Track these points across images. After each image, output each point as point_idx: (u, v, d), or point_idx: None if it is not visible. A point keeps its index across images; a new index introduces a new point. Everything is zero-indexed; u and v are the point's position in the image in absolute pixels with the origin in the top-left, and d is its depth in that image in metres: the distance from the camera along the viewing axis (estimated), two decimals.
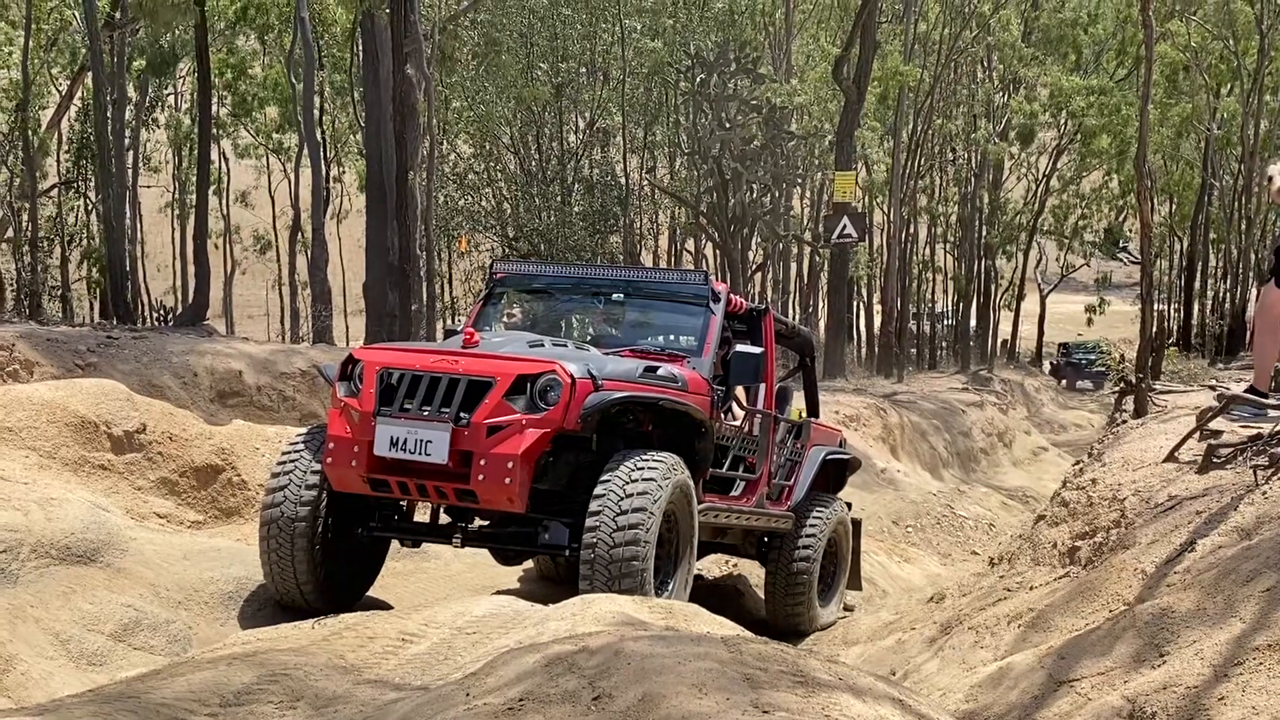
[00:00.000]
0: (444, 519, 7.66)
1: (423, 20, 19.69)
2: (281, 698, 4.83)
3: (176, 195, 34.98)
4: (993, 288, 43.26)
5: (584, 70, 31.73)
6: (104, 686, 5.22)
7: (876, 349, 35.66)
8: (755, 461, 8.56)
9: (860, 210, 32.23)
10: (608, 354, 7.45)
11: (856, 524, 10.35)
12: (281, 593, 7.04)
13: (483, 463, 6.44)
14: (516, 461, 6.42)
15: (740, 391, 8.69)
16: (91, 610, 6.50)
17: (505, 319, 9.07)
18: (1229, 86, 36.67)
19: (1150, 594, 5.97)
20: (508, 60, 30.20)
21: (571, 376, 6.52)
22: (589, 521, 6.40)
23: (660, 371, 7.20)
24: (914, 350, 39.32)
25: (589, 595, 6.03)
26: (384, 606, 7.52)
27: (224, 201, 36.12)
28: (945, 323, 45.31)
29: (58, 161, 30.89)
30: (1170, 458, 7.75)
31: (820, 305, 36.83)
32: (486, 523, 7.39)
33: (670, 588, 7.02)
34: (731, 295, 8.42)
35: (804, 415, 9.93)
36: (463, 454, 6.49)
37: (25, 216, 27.26)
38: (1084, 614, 6.50)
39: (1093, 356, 45.98)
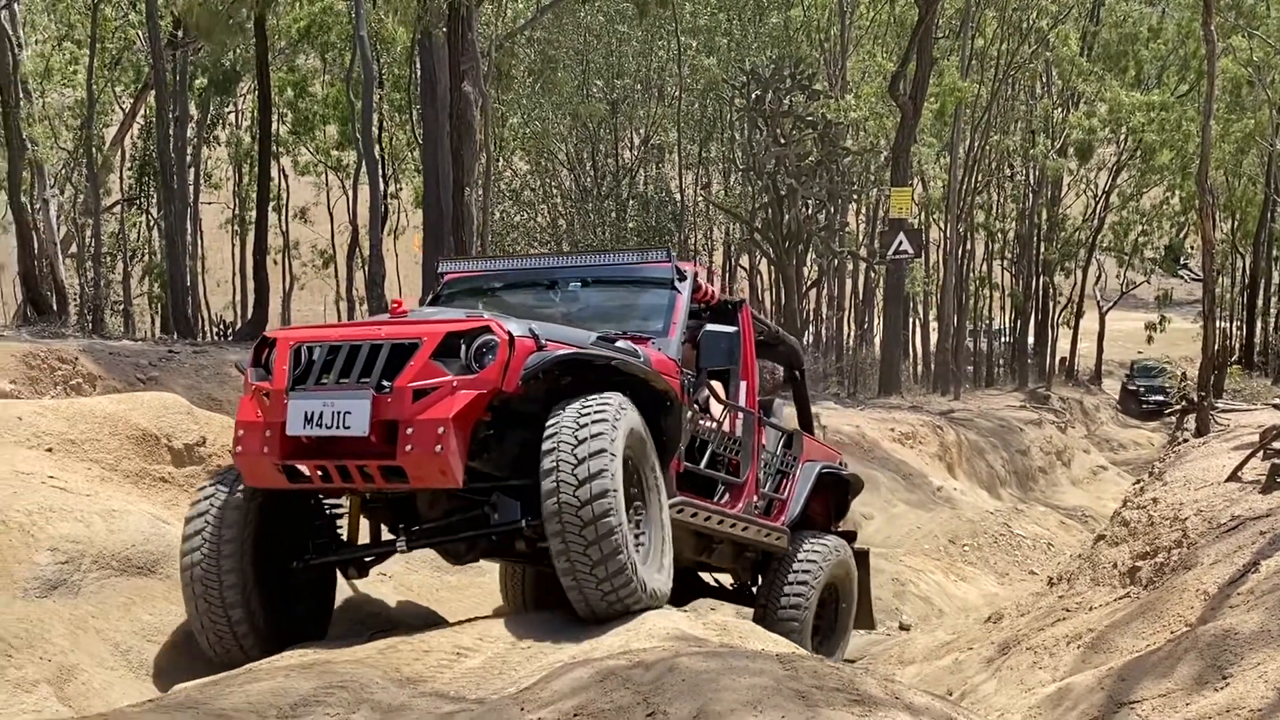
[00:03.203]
0: (387, 536, 6.74)
1: (480, 38, 19.82)
2: (339, 708, 4.87)
3: (236, 211, 35.39)
4: (1051, 304, 42.86)
5: (639, 87, 31.87)
6: (164, 696, 5.28)
7: (933, 366, 35.43)
8: (740, 463, 7.68)
9: (916, 226, 32.12)
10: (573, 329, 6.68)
11: (863, 555, 9.32)
12: (217, 650, 6.13)
13: (409, 431, 5.56)
14: (448, 426, 5.53)
15: (718, 387, 7.76)
16: (151, 621, 6.55)
17: None
18: None
19: (1213, 615, 5.89)
20: (564, 77, 30.38)
21: (510, 334, 5.76)
22: (544, 481, 5.49)
23: (618, 344, 6.44)
24: (971, 367, 39.00)
25: (645, 614, 5.90)
26: (439, 621, 7.55)
27: (283, 218, 36.49)
28: (1002, 340, 44.88)
29: (121, 178, 31.38)
30: (1233, 477, 7.66)
31: (875, 322, 36.66)
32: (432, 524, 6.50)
33: (647, 543, 6.12)
34: (702, 282, 7.68)
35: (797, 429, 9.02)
36: (387, 425, 5.65)
37: (89, 232, 27.76)
38: (1145, 635, 6.42)
39: (1156, 383, 42.38)
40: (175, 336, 19.55)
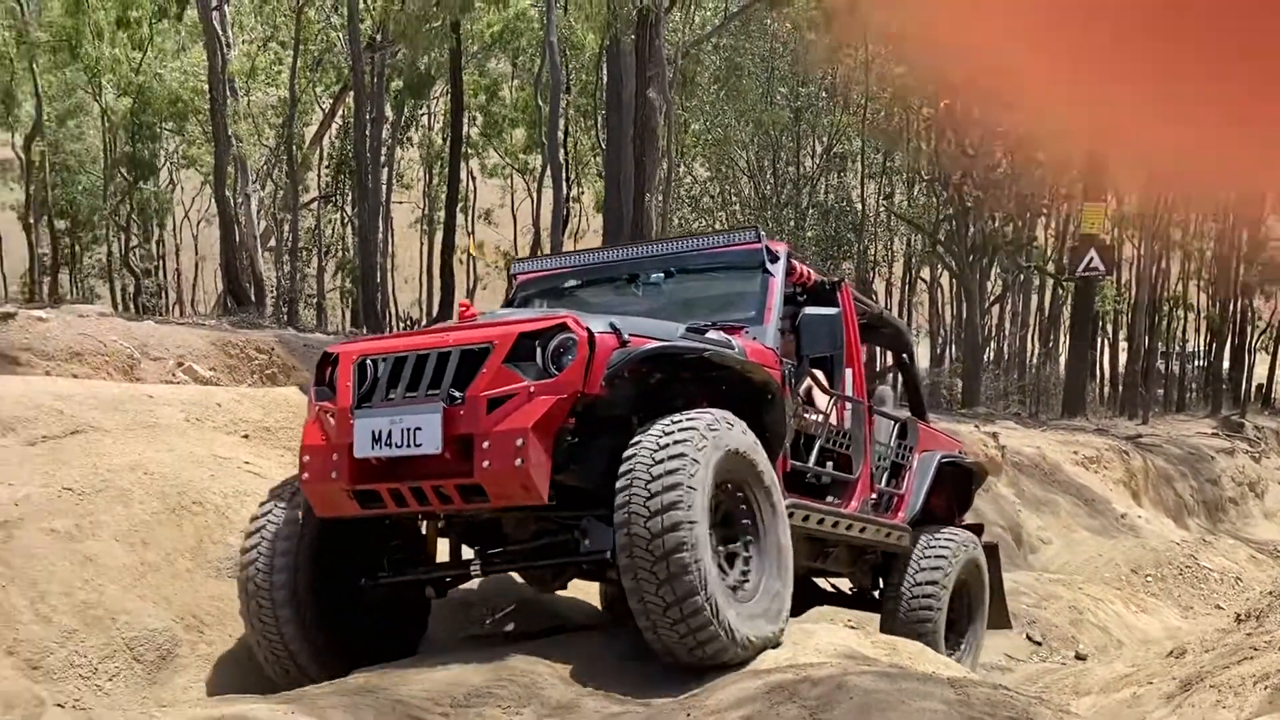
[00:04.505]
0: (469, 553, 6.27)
1: (666, 45, 19.98)
2: (510, 702, 4.99)
3: (425, 211, 36.37)
4: (1249, 328, 41.10)
5: (824, 95, 31.61)
6: (345, 680, 5.46)
7: (1120, 388, 34.37)
8: (851, 458, 7.00)
9: (1109, 243, 31.08)
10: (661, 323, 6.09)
11: (993, 549, 8.57)
12: (275, 669, 5.78)
13: (485, 445, 5.08)
14: (527, 437, 5.02)
15: (821, 376, 7.06)
16: None
17: None
18: None
19: None
20: (748, 85, 30.37)
21: (589, 330, 5.21)
22: (616, 513, 4.97)
23: (709, 334, 5.85)
24: (1160, 391, 37.65)
25: (811, 626, 5.86)
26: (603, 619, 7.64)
27: (469, 218, 37.38)
28: (1195, 363, 43.19)
29: (318, 176, 32.47)
30: None
31: (1061, 340, 35.66)
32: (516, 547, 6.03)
33: (755, 580, 5.49)
34: (796, 263, 6.96)
35: (912, 417, 8.28)
36: (460, 439, 5.17)
37: (286, 227, 28.86)
38: None
39: None
40: (365, 330, 20.20)
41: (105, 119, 29.09)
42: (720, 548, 5.32)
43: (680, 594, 4.88)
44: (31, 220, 28.77)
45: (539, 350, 5.24)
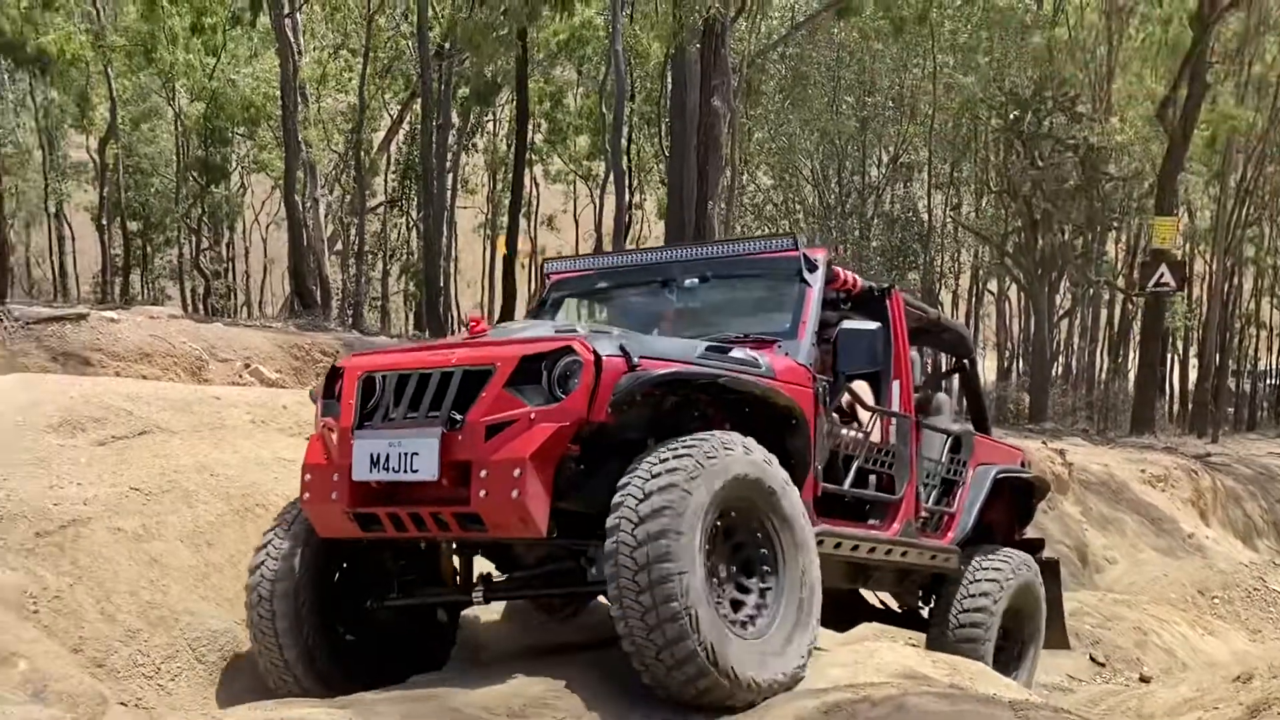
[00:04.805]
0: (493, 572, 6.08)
1: (731, 54, 19.96)
2: (566, 713, 4.98)
3: (489, 216, 36.61)
4: None
5: (890, 104, 31.48)
6: (402, 687, 5.49)
7: (1190, 406, 33.85)
8: (895, 478, 6.60)
9: (1180, 258, 30.70)
10: (681, 340, 5.80)
11: (1053, 565, 8.18)
12: (273, 680, 5.64)
13: (483, 474, 4.84)
14: (525, 467, 4.76)
15: (865, 389, 6.64)
16: None
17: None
18: None
19: None
20: (814, 94, 30.31)
21: (595, 353, 4.87)
22: (606, 542, 4.73)
23: (733, 353, 5.52)
24: (1231, 410, 37.05)
25: (872, 644, 5.77)
26: None
27: (532, 224, 37.55)
28: (1268, 382, 42.44)
29: (385, 181, 32.76)
30: None
31: (1130, 356, 35.18)
32: (522, 572, 5.84)
33: (771, 616, 5.15)
34: (839, 270, 6.58)
35: (968, 429, 7.87)
36: (458, 466, 4.95)
37: (353, 231, 29.19)
38: None
39: None
40: (428, 334, 20.35)
41: (178, 123, 29.57)
42: (728, 580, 5.07)
43: (669, 634, 4.62)
44: (104, 222, 29.25)
45: (544, 373, 4.96)
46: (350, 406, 5.32)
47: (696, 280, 6.56)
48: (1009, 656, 7.36)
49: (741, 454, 4.95)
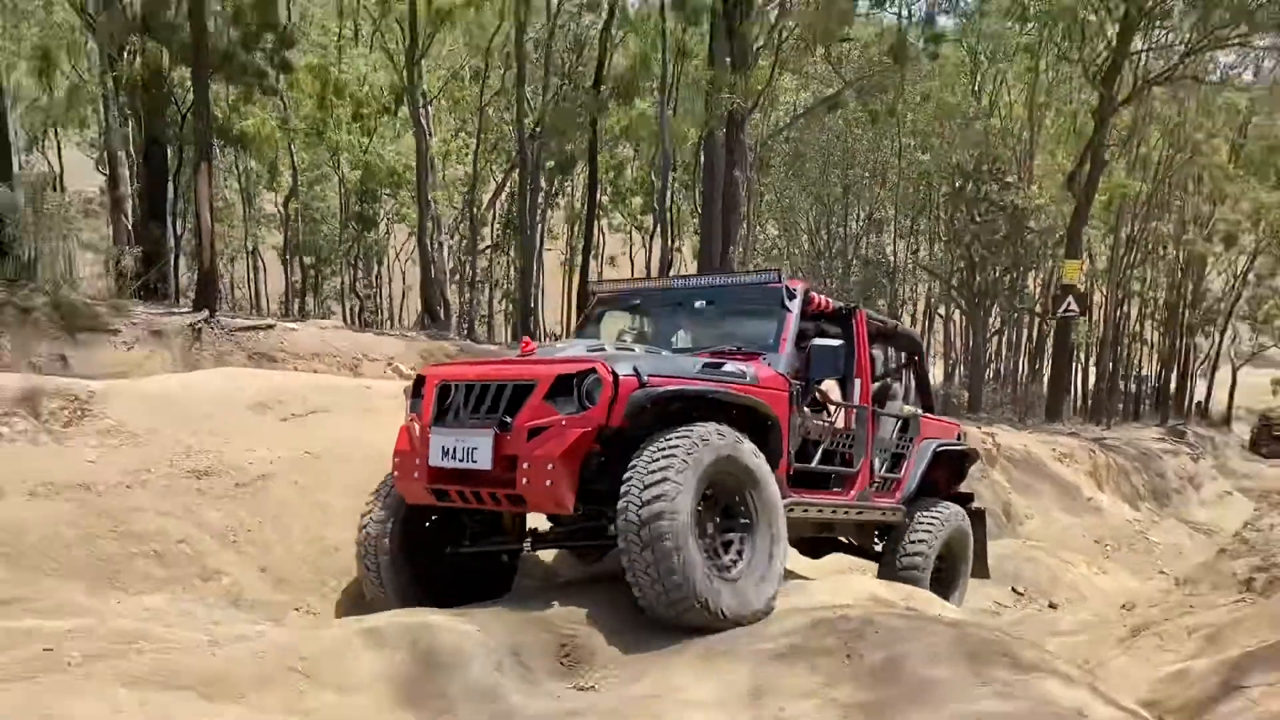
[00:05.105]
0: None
1: (748, 137, 19.93)
2: (621, 623, 4.94)
3: (567, 256, 36.67)
4: (1191, 359, 39.61)
5: (866, 175, 31.28)
6: (506, 604, 5.45)
7: (1089, 401, 33.29)
8: (854, 455, 6.53)
9: (1083, 291, 30.16)
10: (685, 357, 5.72)
11: (980, 515, 7.97)
12: (379, 607, 5.49)
13: (525, 466, 4.85)
14: (556, 463, 4.79)
15: (833, 386, 6.55)
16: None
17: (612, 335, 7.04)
18: None
19: None
20: (809, 167, 30.19)
21: (614, 374, 4.89)
22: (620, 500, 4.72)
23: (725, 367, 5.48)
24: (1121, 405, 36.37)
25: (848, 576, 5.72)
26: None
27: (599, 262, 37.55)
28: (1148, 385, 41.66)
29: (491, 230, 32.90)
30: None
31: (1045, 365, 34.64)
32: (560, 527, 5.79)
33: (746, 562, 5.07)
34: (816, 295, 6.41)
35: (916, 410, 7.61)
36: (507, 459, 4.94)
37: (468, 266, 29.34)
38: (1258, 634, 5.87)
39: None
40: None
41: (341, 185, 29.83)
42: (715, 535, 4.98)
43: (662, 569, 4.59)
44: (287, 257, 29.61)
45: (574, 388, 4.92)
46: (429, 407, 5.31)
47: (704, 303, 6.47)
48: (946, 582, 7.25)
49: (717, 441, 4.88)
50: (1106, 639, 7.60)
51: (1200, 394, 41.77)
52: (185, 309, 13.82)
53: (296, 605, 5.82)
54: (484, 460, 4.96)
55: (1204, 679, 5.44)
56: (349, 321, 29.00)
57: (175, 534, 5.88)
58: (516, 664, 4.53)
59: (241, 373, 8.77)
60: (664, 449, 4.75)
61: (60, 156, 31.31)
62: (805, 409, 6.11)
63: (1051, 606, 10.32)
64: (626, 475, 4.73)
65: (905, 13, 29.67)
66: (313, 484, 6.55)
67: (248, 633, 4.94)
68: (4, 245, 12.44)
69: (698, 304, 6.48)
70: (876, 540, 7.36)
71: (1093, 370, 35.16)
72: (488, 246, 32.86)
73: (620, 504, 4.68)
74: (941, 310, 37.23)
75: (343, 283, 32.83)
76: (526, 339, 5.82)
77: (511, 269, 32.96)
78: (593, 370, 4.92)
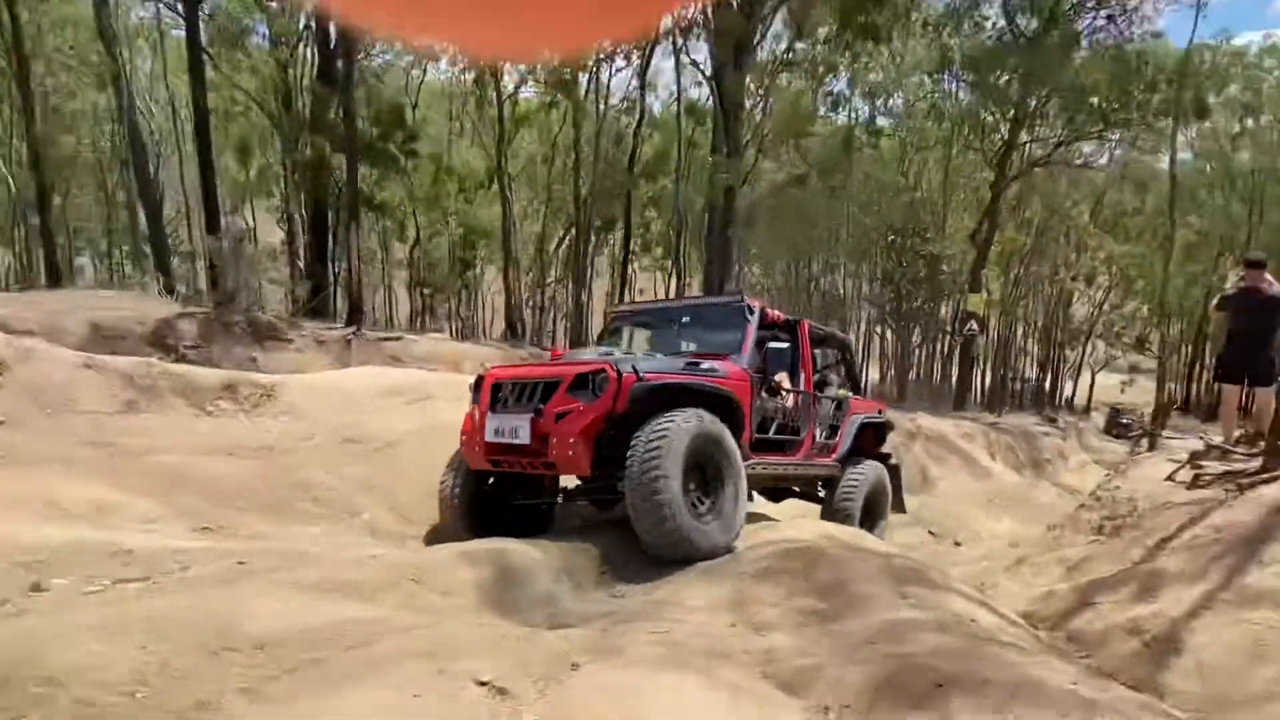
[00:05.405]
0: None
1: (739, 204, 19.88)
2: (639, 556, 4.93)
3: (610, 291, 36.59)
4: (1061, 365, 39.01)
5: (825, 232, 31.10)
6: (566, 537, 5.46)
7: (987, 396, 32.82)
8: (800, 427, 6.44)
9: (982, 316, 29.81)
10: (672, 358, 5.52)
11: (896, 469, 7.66)
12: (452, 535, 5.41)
13: (554, 441, 4.80)
14: (577, 439, 4.74)
15: (784, 377, 6.33)
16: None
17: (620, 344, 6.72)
18: (1225, 255, 31.64)
19: (1150, 559, 5.26)
20: (782, 224, 30.03)
21: (618, 372, 4.83)
22: (626, 466, 4.63)
23: (702, 365, 5.34)
24: (1009, 399, 35.84)
25: (805, 520, 5.66)
26: None
27: (632, 293, 37.28)
28: (1030, 384, 41.05)
29: (555, 270, 33.07)
30: (1169, 478, 6.80)
31: (954, 369, 34.24)
32: (581, 484, 5.60)
33: (718, 508, 4.92)
34: (769, 310, 6.27)
35: (847, 393, 7.34)
36: (541, 436, 4.88)
37: (538, 295, 29.44)
38: (1105, 566, 5.80)
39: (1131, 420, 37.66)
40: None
41: (449, 238, 30.07)
42: (696, 490, 4.87)
43: (656, 516, 4.53)
44: (411, 289, 29.89)
45: (590, 383, 4.85)
46: (485, 399, 5.23)
47: (687, 319, 6.33)
48: (871, 521, 7.11)
49: (697, 422, 4.79)
50: (996, 568, 7.53)
51: (1068, 391, 41.04)
52: (340, 325, 13.98)
53: (414, 535, 5.88)
54: (525, 437, 4.90)
55: (1066, 597, 5.38)
56: (454, 335, 29.16)
57: (329, 483, 5.96)
58: (568, 578, 4.55)
59: (378, 370, 8.81)
60: (658, 428, 4.68)
61: (254, 217, 31.80)
62: (764, 394, 6.05)
63: (956, 545, 10.21)
64: (630, 448, 4.66)
65: (853, 115, 29.56)
66: (426, 449, 6.59)
67: (378, 553, 5.01)
68: (215, 279, 12.69)
69: (684, 319, 6.38)
70: (820, 489, 7.21)
71: (989, 373, 34.72)
72: (552, 281, 32.97)
73: (626, 469, 4.62)
74: (878, 330, 36.92)
75: (450, 307, 33.03)
76: (555, 349, 5.70)
77: (569, 298, 33.07)
78: (602, 370, 4.87)
